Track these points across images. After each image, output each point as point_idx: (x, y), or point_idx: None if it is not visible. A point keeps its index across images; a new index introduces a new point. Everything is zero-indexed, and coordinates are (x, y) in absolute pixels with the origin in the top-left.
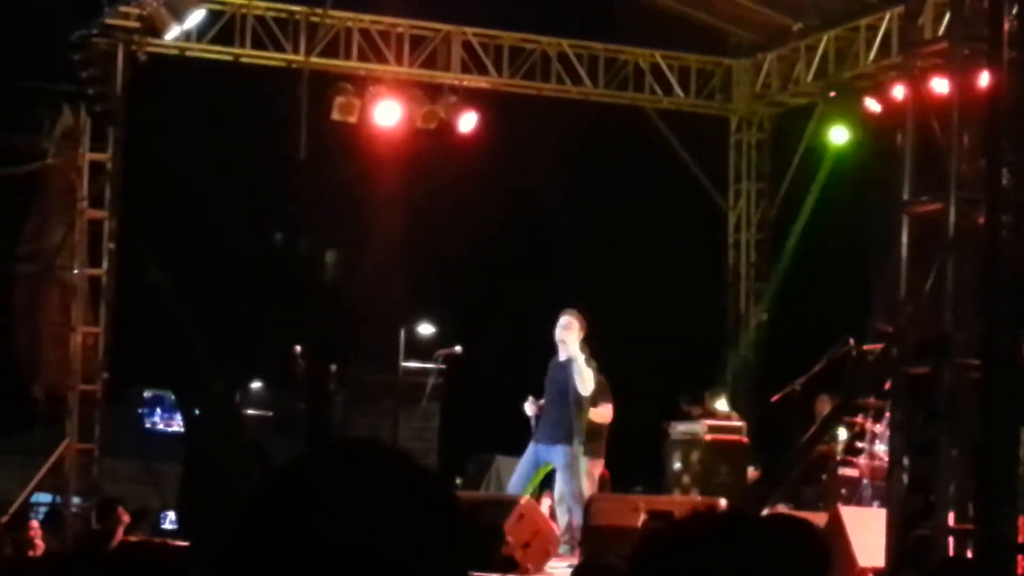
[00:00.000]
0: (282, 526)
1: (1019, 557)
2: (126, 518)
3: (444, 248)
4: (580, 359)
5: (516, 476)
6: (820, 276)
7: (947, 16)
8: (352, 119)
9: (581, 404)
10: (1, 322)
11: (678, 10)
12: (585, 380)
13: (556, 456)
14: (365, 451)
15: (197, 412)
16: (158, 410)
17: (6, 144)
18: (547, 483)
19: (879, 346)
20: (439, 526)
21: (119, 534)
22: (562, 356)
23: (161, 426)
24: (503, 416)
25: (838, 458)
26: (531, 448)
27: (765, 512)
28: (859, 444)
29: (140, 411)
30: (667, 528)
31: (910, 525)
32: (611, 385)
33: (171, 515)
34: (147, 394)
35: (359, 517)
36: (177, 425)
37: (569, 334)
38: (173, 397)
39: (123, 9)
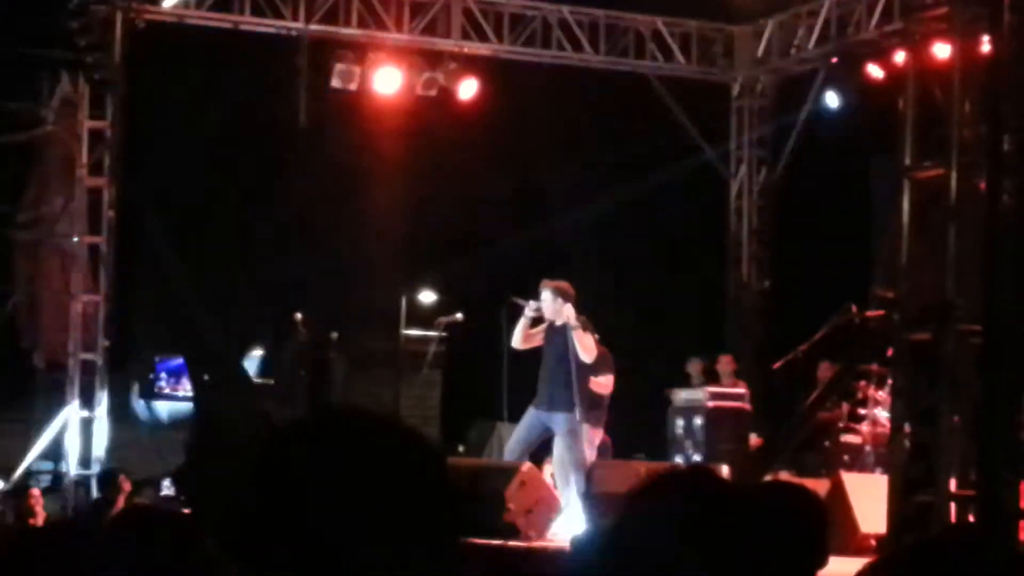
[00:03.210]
0: (278, 493)
1: (1021, 523)
2: (127, 486)
3: (445, 215)
4: (578, 327)
5: (513, 440)
6: (823, 242)
7: None
8: (352, 86)
9: (581, 370)
10: (1, 290)
11: None
12: (586, 348)
13: (556, 423)
14: (357, 419)
15: (207, 378)
16: (163, 375)
17: (5, 112)
18: (547, 450)
19: (881, 312)
20: (428, 492)
21: (120, 502)
22: (559, 322)
23: (168, 391)
24: (505, 383)
25: (841, 425)
26: (530, 413)
27: (767, 478)
28: (861, 411)
29: (150, 375)
30: (651, 490)
31: (912, 491)
32: (614, 354)
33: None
34: (156, 359)
35: (350, 484)
36: (183, 390)
37: (562, 306)
38: (181, 362)
39: None
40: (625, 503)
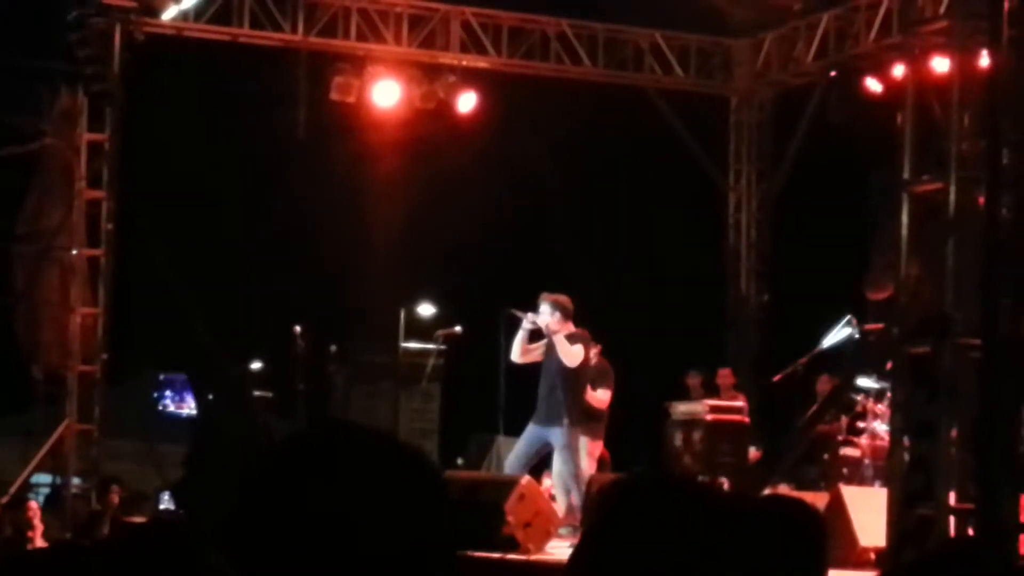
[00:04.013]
0: (274, 506)
1: (1021, 536)
2: (115, 499)
3: (444, 228)
4: (559, 332)
5: (513, 455)
6: (822, 256)
7: None
8: (351, 99)
9: (575, 383)
10: (0, 303)
11: None
12: (568, 354)
13: (554, 437)
14: (353, 432)
15: (211, 396)
16: (168, 392)
17: (4, 125)
18: (546, 464)
19: (880, 326)
20: (425, 506)
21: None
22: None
23: (172, 408)
24: (504, 396)
25: (840, 438)
26: (530, 428)
27: (766, 492)
28: (860, 424)
29: (155, 394)
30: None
31: (911, 505)
32: (614, 369)
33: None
34: (162, 377)
35: (346, 498)
36: (188, 407)
37: (549, 319)
38: (185, 378)
39: None
40: (606, 513)
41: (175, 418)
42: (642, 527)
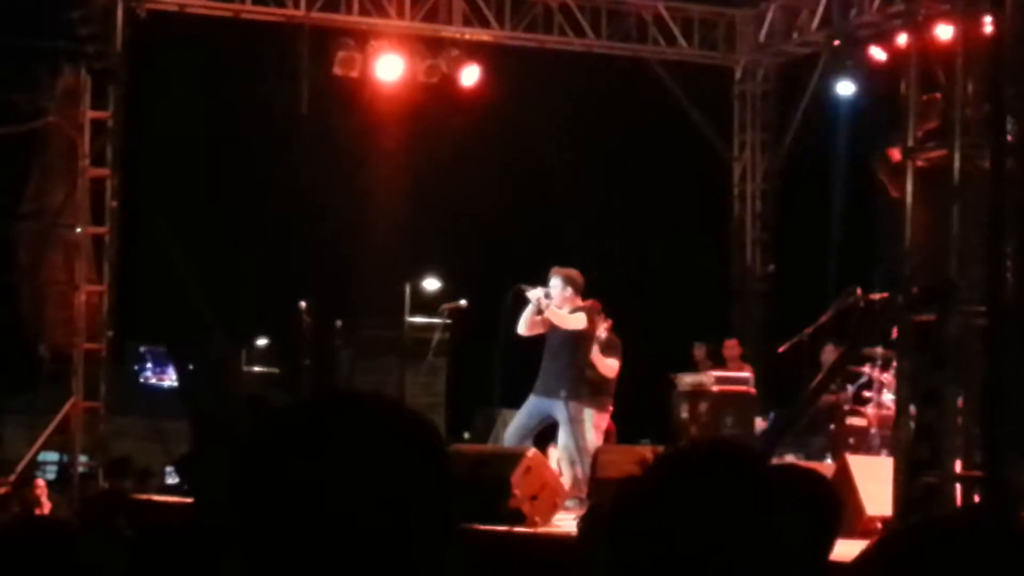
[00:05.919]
0: (273, 475)
1: None
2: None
3: (448, 202)
4: (549, 305)
5: (512, 427)
6: (827, 225)
7: None
8: (354, 74)
9: (580, 355)
10: (5, 281)
11: None
12: (567, 322)
13: (557, 409)
14: (355, 401)
15: (191, 367)
16: (149, 364)
17: (6, 103)
18: (551, 437)
19: (885, 295)
20: (427, 475)
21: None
22: (565, 309)
23: (153, 380)
24: (510, 369)
25: (846, 407)
26: (531, 400)
27: (774, 462)
28: (867, 393)
29: (135, 367)
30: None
31: (917, 473)
32: (623, 343)
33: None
34: (141, 349)
35: (347, 466)
36: (170, 379)
37: (554, 291)
38: (165, 351)
39: None
40: (641, 483)
41: (156, 390)
42: (703, 495)
